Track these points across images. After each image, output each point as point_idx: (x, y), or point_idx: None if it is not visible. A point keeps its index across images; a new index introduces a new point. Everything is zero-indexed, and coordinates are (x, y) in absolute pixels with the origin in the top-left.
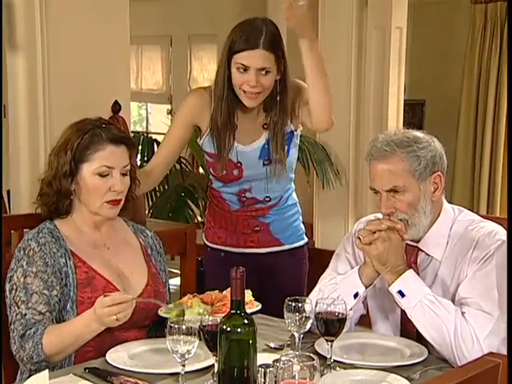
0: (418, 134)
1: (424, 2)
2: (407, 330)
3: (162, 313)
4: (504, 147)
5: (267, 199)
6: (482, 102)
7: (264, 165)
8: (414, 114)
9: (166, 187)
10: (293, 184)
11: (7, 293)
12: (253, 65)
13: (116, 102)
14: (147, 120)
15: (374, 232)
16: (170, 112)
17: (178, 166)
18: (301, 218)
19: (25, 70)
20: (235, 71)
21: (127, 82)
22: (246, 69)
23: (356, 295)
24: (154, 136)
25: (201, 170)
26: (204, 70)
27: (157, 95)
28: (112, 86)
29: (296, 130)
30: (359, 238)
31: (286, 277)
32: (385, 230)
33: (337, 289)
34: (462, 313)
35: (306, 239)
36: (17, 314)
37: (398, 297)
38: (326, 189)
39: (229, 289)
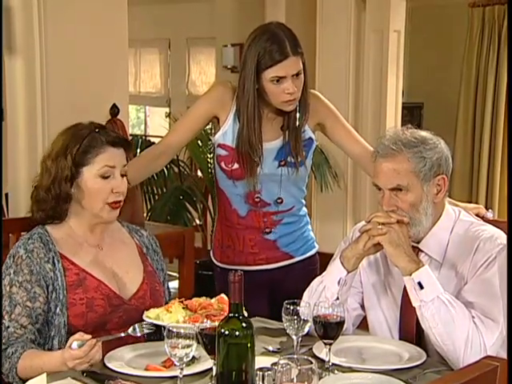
0: (426, 134)
1: (422, 6)
2: (406, 330)
3: (144, 317)
4: (502, 150)
5: (279, 201)
6: (480, 105)
7: (279, 165)
8: (412, 117)
9: (165, 190)
10: (304, 200)
11: None
12: (288, 73)
13: (114, 105)
14: (145, 123)
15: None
16: (168, 115)
17: (176, 169)
18: (310, 227)
19: (23, 73)
20: (269, 84)
21: (125, 85)
22: (276, 79)
23: (340, 281)
24: (152, 139)
25: (199, 173)
26: (202, 73)
27: (155, 98)
28: (110, 89)
29: (315, 140)
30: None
31: (298, 287)
32: (394, 223)
33: (322, 280)
34: (471, 317)
35: (317, 247)
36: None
37: (417, 288)
38: (324, 192)
39: (218, 297)
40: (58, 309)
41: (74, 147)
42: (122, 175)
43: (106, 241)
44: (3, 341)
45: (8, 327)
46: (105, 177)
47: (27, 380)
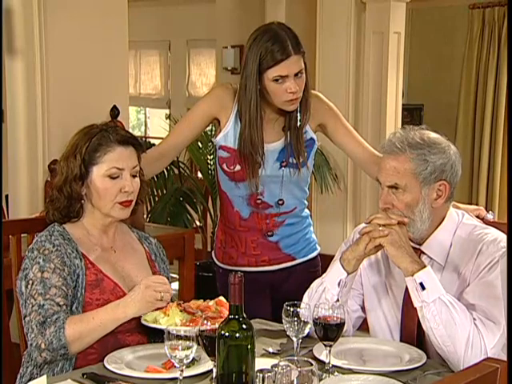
0: (436, 138)
1: (422, 7)
2: (407, 331)
3: (142, 320)
4: (502, 151)
5: (280, 202)
6: (480, 107)
7: (281, 166)
8: (413, 119)
9: (165, 192)
10: (306, 201)
11: (23, 289)
12: (290, 72)
13: (114, 107)
14: (146, 125)
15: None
16: (168, 117)
17: (176, 171)
18: (312, 229)
19: (23, 75)
20: (271, 84)
21: (126, 87)
22: (278, 78)
23: (340, 283)
24: (152, 141)
25: (199, 175)
26: (202, 74)
27: (155, 100)
28: (110, 90)
29: (316, 141)
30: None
31: (299, 289)
32: (395, 225)
33: (323, 282)
34: (473, 319)
35: (318, 249)
36: (33, 306)
37: (419, 288)
38: (324, 193)
39: (216, 299)
40: (74, 306)
41: (84, 145)
42: (133, 176)
43: (118, 244)
44: (39, 316)
45: (43, 305)
46: (113, 177)
47: (76, 343)
